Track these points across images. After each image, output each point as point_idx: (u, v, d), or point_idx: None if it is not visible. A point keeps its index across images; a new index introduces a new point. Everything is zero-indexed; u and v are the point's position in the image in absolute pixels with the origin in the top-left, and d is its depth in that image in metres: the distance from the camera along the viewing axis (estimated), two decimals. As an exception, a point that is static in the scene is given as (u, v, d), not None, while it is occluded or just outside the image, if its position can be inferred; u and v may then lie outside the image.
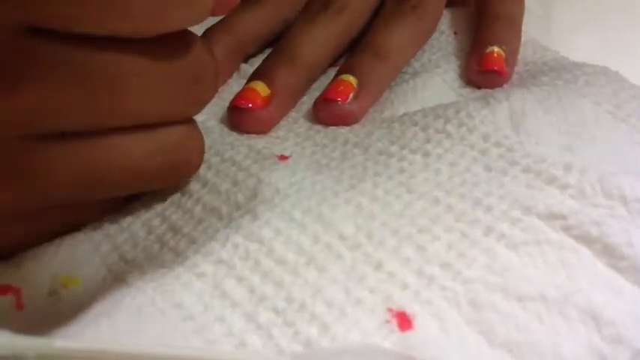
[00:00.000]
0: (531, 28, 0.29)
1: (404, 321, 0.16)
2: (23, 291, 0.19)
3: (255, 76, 0.25)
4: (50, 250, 0.19)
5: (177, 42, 0.17)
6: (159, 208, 0.21)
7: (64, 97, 0.16)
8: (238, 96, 0.24)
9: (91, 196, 0.19)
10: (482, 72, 0.26)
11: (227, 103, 0.25)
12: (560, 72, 0.25)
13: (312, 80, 0.26)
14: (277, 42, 0.27)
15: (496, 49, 0.26)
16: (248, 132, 0.24)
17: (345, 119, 0.24)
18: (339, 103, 0.24)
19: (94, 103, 0.16)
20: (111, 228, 0.20)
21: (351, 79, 0.24)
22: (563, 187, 0.19)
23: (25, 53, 0.15)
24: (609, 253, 0.17)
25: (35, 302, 0.18)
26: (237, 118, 0.24)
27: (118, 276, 0.19)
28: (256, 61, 0.27)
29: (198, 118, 0.20)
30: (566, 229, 0.18)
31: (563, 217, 0.18)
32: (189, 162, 0.20)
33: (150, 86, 0.17)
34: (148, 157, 0.18)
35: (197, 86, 0.18)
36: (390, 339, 0.16)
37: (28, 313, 0.18)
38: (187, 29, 0.18)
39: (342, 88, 0.24)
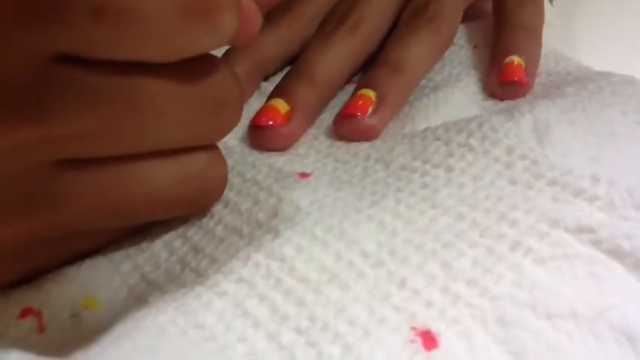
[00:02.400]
0: (551, 40, 0.29)
1: (429, 340, 0.16)
2: (44, 313, 0.18)
3: (274, 93, 0.25)
4: (71, 272, 0.19)
5: (201, 66, 0.17)
6: (180, 228, 0.21)
7: (90, 123, 0.16)
8: (258, 114, 0.24)
9: (114, 223, 0.19)
10: (502, 83, 0.25)
11: (247, 121, 0.25)
12: (585, 82, 0.24)
13: (330, 97, 0.26)
14: (295, 60, 0.27)
15: (515, 58, 0.26)
16: (269, 149, 0.24)
17: (366, 134, 0.24)
18: (359, 117, 0.24)
19: (118, 127, 0.16)
20: (130, 248, 0.20)
21: (370, 94, 0.24)
22: (592, 200, 0.18)
23: (51, 81, 0.15)
24: (643, 267, 0.17)
25: (57, 325, 0.18)
26: (258, 136, 0.24)
27: (139, 297, 0.19)
28: (276, 80, 0.28)
29: (220, 138, 0.20)
30: (596, 243, 0.17)
31: (592, 230, 0.17)
32: (212, 190, 0.20)
33: (174, 110, 0.17)
34: (171, 184, 0.18)
35: (222, 110, 0.18)
36: (416, 359, 0.15)
37: (49, 335, 0.18)
38: (211, 53, 0.17)
39: (361, 102, 0.24)
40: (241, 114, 0.19)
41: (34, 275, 0.19)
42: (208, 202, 0.20)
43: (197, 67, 0.17)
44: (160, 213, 0.19)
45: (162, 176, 0.18)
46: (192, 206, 0.20)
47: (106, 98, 0.16)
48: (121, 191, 0.17)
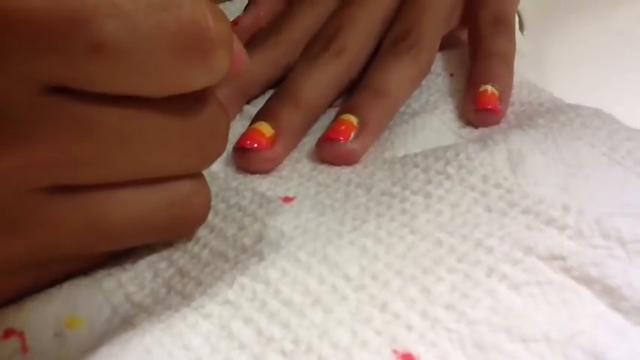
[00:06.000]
0: (522, 68, 0.30)
1: (410, 363, 0.16)
2: (27, 334, 0.18)
3: (258, 117, 0.25)
4: (52, 290, 0.19)
5: (191, 99, 0.17)
6: (164, 252, 0.21)
7: (78, 152, 0.16)
8: (243, 137, 0.25)
9: (98, 248, 0.19)
10: (477, 110, 0.26)
11: (231, 145, 0.25)
12: (556, 114, 0.25)
13: (313, 120, 0.27)
14: (280, 84, 0.27)
15: (489, 87, 0.27)
16: (253, 172, 0.24)
17: (348, 158, 0.25)
18: (342, 142, 0.24)
19: (107, 157, 0.16)
20: (113, 267, 0.20)
21: (352, 119, 0.25)
22: (562, 228, 0.19)
23: (43, 110, 0.15)
24: (610, 293, 0.18)
25: (40, 345, 0.18)
26: (243, 158, 0.24)
27: (124, 318, 0.19)
28: (258, 102, 0.28)
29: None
30: (567, 270, 0.18)
31: (562, 258, 0.18)
32: (195, 216, 0.20)
33: (163, 142, 0.17)
34: (155, 211, 0.18)
35: (209, 141, 0.19)
36: (397, 381, 0.16)
37: (33, 355, 0.18)
38: None
39: (343, 127, 0.25)
40: (227, 141, 0.20)
41: (17, 297, 0.19)
42: (191, 228, 0.21)
43: (188, 99, 0.17)
44: (143, 238, 0.20)
45: (146, 203, 0.18)
46: (174, 232, 0.20)
47: (96, 129, 0.16)
48: (106, 217, 0.18)
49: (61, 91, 0.15)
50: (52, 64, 0.15)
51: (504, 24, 0.29)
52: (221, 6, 0.34)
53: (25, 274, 0.19)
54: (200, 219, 0.20)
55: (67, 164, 0.16)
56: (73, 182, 0.17)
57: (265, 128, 0.25)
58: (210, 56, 0.16)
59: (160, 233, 0.20)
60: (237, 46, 0.18)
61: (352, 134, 0.25)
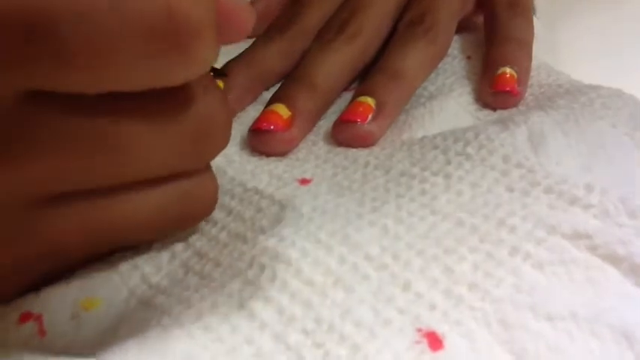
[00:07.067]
0: (535, 51, 0.30)
1: (434, 341, 0.16)
2: (44, 317, 0.18)
3: (274, 99, 0.25)
4: (67, 274, 0.19)
5: (178, 98, 0.17)
6: (181, 234, 0.21)
7: (66, 163, 0.16)
8: (260, 119, 0.24)
9: (100, 249, 0.19)
10: (495, 93, 0.26)
11: (245, 128, 0.25)
12: (576, 95, 0.25)
13: (329, 103, 0.27)
14: (295, 69, 0.27)
15: (508, 69, 0.26)
16: (270, 154, 0.24)
17: (365, 140, 0.24)
18: (359, 123, 0.24)
19: (96, 166, 0.16)
20: (128, 250, 0.20)
21: (369, 101, 0.25)
22: (586, 207, 0.19)
23: (25, 123, 0.15)
24: (637, 272, 0.17)
25: (57, 327, 0.18)
26: (259, 140, 0.24)
27: (141, 300, 0.19)
28: (274, 90, 0.28)
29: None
30: (592, 249, 0.18)
31: (588, 236, 0.18)
32: (200, 209, 0.20)
33: (153, 145, 0.16)
34: (156, 211, 0.18)
35: (204, 140, 0.18)
36: (422, 359, 0.16)
37: (50, 339, 0.18)
38: (190, 83, 0.17)
39: (361, 109, 0.24)
40: (229, 136, 0.19)
41: (31, 287, 0.19)
42: (197, 220, 0.20)
43: (174, 99, 0.16)
44: (147, 236, 0.19)
45: (146, 204, 0.18)
46: (180, 226, 0.20)
47: (80, 137, 0.15)
48: (104, 221, 0.17)
49: (39, 101, 0.15)
50: (22, 71, 0.14)
51: (521, 6, 0.29)
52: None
53: (35, 269, 0.19)
54: (207, 209, 0.20)
55: (56, 176, 0.16)
56: (64, 192, 0.16)
57: (282, 110, 0.24)
58: (190, 48, 0.15)
59: (164, 229, 0.19)
60: (238, 3, 0.17)
61: (369, 116, 0.24)
